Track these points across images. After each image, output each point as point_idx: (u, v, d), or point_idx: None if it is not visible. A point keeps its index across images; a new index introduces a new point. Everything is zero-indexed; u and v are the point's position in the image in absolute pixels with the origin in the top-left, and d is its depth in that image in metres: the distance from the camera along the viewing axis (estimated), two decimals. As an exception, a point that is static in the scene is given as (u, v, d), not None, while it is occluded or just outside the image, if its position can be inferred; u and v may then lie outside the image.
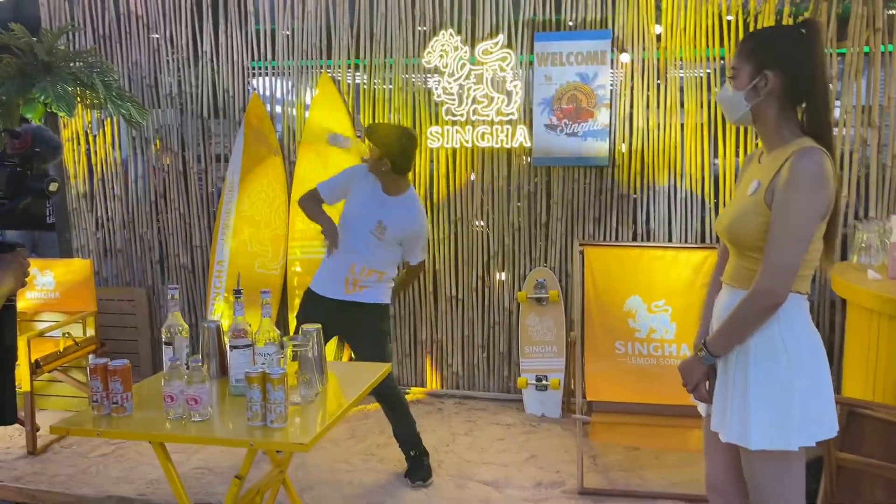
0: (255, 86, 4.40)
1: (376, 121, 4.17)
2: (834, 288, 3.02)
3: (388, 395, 3.17)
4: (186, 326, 2.21)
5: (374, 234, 3.07)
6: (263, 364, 2.05)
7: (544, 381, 3.95)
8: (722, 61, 3.81)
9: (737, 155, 3.81)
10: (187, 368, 1.95)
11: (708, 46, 3.82)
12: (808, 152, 1.70)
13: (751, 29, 3.73)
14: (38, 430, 3.46)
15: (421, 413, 4.01)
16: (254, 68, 4.36)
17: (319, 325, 2.24)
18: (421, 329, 4.32)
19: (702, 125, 3.86)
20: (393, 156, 3.02)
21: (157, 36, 4.42)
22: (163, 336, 2.13)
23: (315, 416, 1.96)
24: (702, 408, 1.99)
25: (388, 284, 3.20)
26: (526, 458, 3.39)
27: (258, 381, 1.85)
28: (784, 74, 1.75)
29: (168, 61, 4.43)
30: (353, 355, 3.37)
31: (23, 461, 3.37)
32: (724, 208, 2.01)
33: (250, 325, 2.19)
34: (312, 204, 3.20)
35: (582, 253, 3.56)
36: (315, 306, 3.13)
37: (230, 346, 2.11)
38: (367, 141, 3.11)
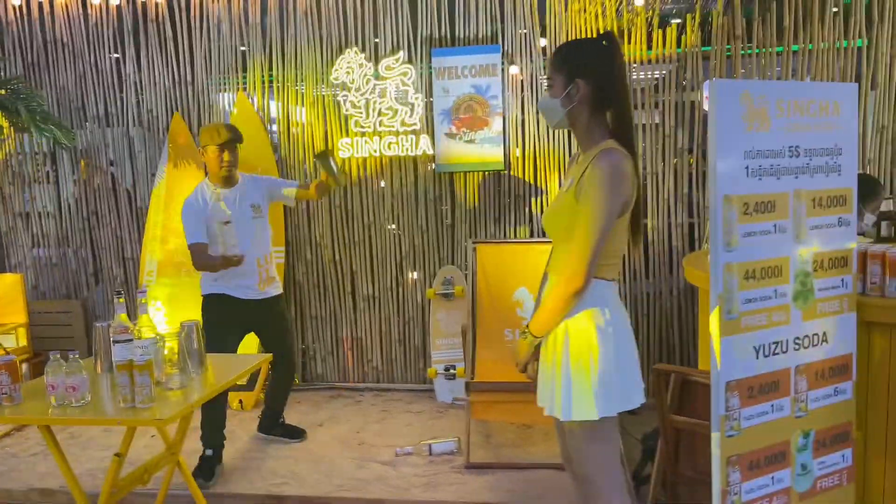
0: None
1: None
2: (685, 276, 3.35)
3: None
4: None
5: (255, 218, 3.48)
6: (142, 355, 2.32)
7: (452, 370, 4.25)
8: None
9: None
10: (66, 362, 2.22)
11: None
12: (608, 153, 1.90)
13: (624, 37, 4.08)
14: (-30, 433, 3.71)
15: (339, 406, 4.31)
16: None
17: (198, 320, 2.53)
18: (342, 327, 4.62)
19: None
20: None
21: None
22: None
23: (182, 399, 2.24)
24: None
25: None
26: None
27: (126, 368, 2.13)
28: (592, 82, 1.95)
29: (94, 84, 4.69)
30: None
31: (-44, 463, 3.62)
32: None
33: (136, 323, 2.47)
34: (206, 258, 3.30)
35: (474, 250, 3.88)
36: (231, 307, 3.44)
37: (113, 341, 2.38)
38: (229, 148, 3.44)
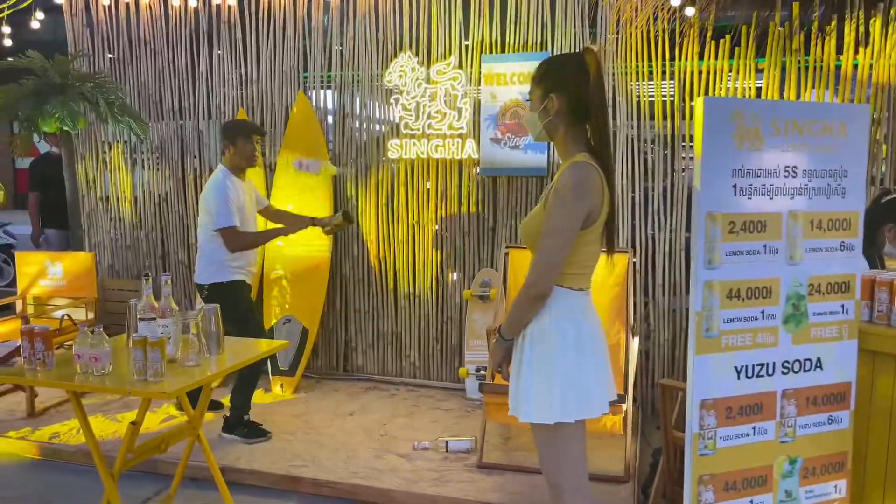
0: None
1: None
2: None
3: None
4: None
5: (253, 210, 3.93)
6: (163, 333, 2.53)
7: (483, 371, 4.31)
8: (650, 78, 4.12)
9: (669, 172, 4.11)
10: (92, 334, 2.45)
11: (637, 64, 4.12)
12: (576, 166, 1.95)
13: (676, 47, 4.03)
14: (36, 395, 4.07)
15: (373, 397, 4.46)
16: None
17: (218, 305, 2.71)
18: (382, 323, 4.76)
19: (631, 137, 4.16)
20: None
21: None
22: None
23: (192, 376, 2.43)
24: None
25: None
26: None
27: (140, 344, 2.33)
28: (567, 96, 2.00)
29: (171, 80, 5.03)
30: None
31: (22, 421, 3.98)
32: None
33: (158, 303, 2.68)
34: (246, 236, 3.78)
35: (507, 254, 3.93)
36: (247, 291, 3.90)
37: (138, 319, 2.60)
38: (259, 139, 3.89)
